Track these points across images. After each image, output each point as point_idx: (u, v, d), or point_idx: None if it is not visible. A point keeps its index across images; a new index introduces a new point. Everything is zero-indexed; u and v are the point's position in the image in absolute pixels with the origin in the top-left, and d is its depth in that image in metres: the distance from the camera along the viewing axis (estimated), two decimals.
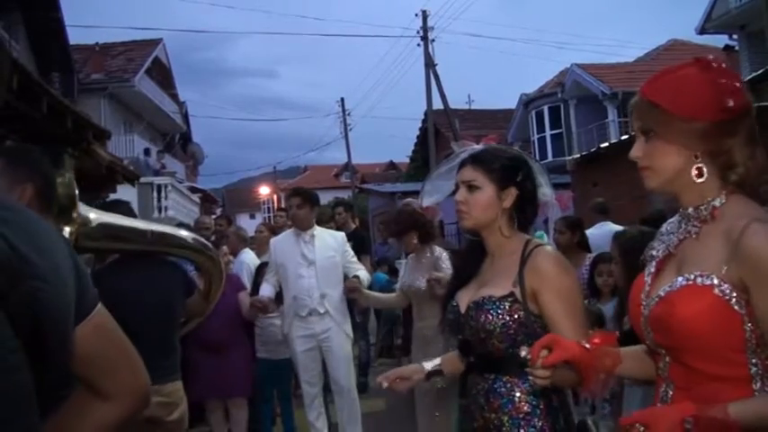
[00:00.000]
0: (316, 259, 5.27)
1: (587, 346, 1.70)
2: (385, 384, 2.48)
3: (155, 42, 27.02)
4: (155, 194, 19.81)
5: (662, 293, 1.58)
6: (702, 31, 19.54)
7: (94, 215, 3.29)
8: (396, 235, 4.74)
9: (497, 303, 2.16)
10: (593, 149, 13.31)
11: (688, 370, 1.56)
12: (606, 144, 13.31)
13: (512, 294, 2.17)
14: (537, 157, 19.70)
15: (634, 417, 1.49)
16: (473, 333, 2.21)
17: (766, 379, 1.48)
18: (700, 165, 1.57)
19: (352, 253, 5.52)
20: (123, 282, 3.48)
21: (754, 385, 1.48)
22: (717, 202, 1.57)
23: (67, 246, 1.31)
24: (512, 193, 2.28)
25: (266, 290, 5.42)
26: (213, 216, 12.69)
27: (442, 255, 4.66)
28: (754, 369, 1.48)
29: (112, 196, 11.45)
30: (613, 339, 1.74)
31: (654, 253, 1.73)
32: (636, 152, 1.66)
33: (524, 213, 2.33)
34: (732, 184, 1.56)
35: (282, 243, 5.50)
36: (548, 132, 24.33)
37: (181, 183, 24.84)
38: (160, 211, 19.59)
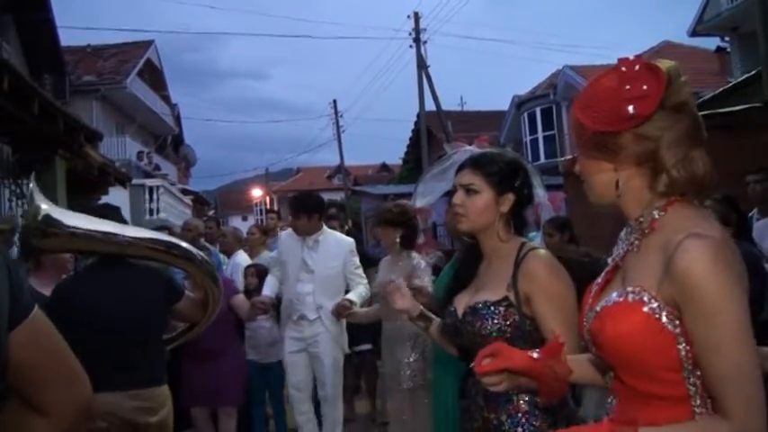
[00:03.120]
0: (316, 269, 5.18)
1: (535, 356, 1.66)
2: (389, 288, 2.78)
3: (146, 44, 26.94)
4: (146, 196, 19.76)
5: (598, 308, 1.54)
6: (694, 33, 19.62)
7: (46, 206, 3.29)
8: (378, 224, 4.70)
9: (492, 308, 2.21)
10: None
11: (626, 387, 1.52)
12: None
13: (506, 299, 2.21)
14: (529, 159, 19.72)
15: None
16: (470, 337, 2.25)
17: (705, 398, 1.41)
18: (617, 177, 1.53)
19: (356, 263, 5.35)
20: (94, 288, 3.49)
21: (693, 403, 1.42)
22: (656, 214, 1.51)
23: None
24: (509, 198, 2.32)
25: (267, 288, 5.40)
26: (203, 218, 12.65)
27: (422, 264, 4.56)
28: (692, 389, 1.42)
29: (104, 198, 11.43)
30: (561, 349, 1.69)
31: (609, 260, 1.69)
32: (576, 168, 1.65)
33: (521, 218, 2.38)
34: (663, 193, 1.50)
35: (288, 240, 5.42)
36: (540, 134, 24.36)
37: (173, 185, 24.77)
38: (152, 213, 19.53)
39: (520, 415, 2.17)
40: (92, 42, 25.70)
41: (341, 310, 4.92)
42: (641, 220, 1.54)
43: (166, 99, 30.40)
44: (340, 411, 5.35)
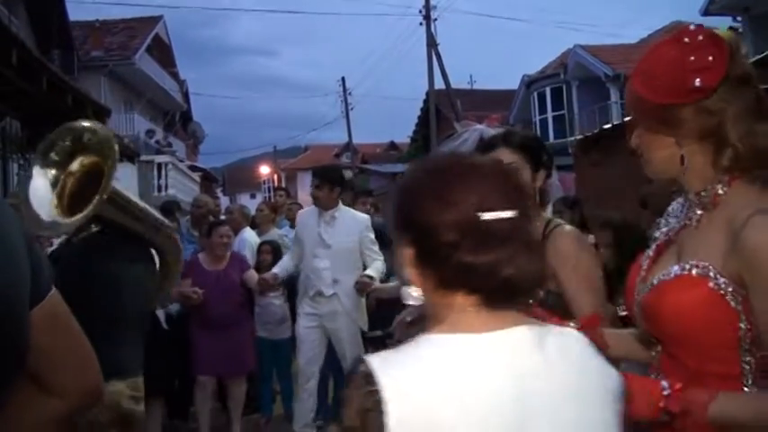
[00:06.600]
0: (332, 243, 5.19)
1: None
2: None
3: (155, 20, 26.85)
4: (155, 173, 19.79)
5: (655, 281, 1.50)
6: (706, 12, 19.39)
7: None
8: None
9: None
10: (595, 131, 13.25)
11: (677, 362, 1.49)
12: (608, 126, 13.29)
13: None
14: None
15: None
16: None
17: (757, 377, 1.40)
18: (682, 152, 1.48)
19: (372, 238, 5.33)
20: (111, 260, 3.06)
21: (744, 382, 1.41)
22: (719, 189, 1.46)
23: (19, 222, 1.19)
24: (542, 174, 2.37)
25: (280, 266, 5.45)
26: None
27: None
28: (746, 367, 1.40)
29: None
30: (597, 323, 1.69)
31: (656, 235, 1.66)
32: (633, 141, 1.60)
33: (544, 193, 2.43)
34: (726, 169, 1.45)
35: (305, 218, 5.47)
36: (549, 114, 24.26)
37: (181, 161, 24.82)
38: (160, 189, 19.57)
39: None
40: (100, 17, 25.64)
41: (363, 287, 4.93)
42: (703, 194, 1.49)
43: (175, 75, 30.35)
44: None
